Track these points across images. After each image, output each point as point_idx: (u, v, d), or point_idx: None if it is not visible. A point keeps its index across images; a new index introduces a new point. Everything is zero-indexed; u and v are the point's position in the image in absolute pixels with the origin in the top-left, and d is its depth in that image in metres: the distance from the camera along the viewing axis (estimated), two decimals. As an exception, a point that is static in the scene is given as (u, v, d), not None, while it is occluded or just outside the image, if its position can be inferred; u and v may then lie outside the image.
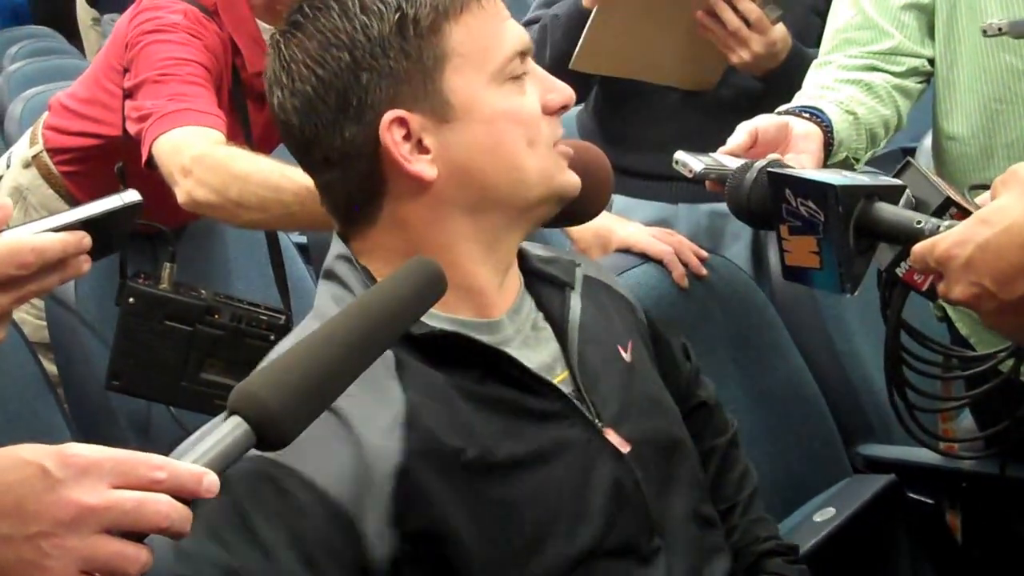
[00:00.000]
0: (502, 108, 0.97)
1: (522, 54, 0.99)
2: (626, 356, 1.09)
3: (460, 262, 0.96)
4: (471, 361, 0.96)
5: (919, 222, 0.98)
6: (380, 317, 0.80)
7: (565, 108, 1.01)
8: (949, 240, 0.91)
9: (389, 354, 0.91)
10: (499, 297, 1.01)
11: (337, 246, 1.02)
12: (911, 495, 1.57)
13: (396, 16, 0.93)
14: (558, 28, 1.78)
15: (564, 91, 1.02)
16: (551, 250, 1.15)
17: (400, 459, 0.88)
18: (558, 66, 1.73)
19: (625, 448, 1.01)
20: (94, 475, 0.68)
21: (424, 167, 0.95)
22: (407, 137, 0.95)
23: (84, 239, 1.01)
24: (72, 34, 5.88)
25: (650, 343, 1.17)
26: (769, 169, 1.09)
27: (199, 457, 0.71)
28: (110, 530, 0.68)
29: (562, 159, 1.01)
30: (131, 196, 1.07)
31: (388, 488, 0.87)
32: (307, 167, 1.01)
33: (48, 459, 0.69)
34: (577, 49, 1.69)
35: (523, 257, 1.08)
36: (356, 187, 0.97)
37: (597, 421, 1.01)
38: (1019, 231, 0.86)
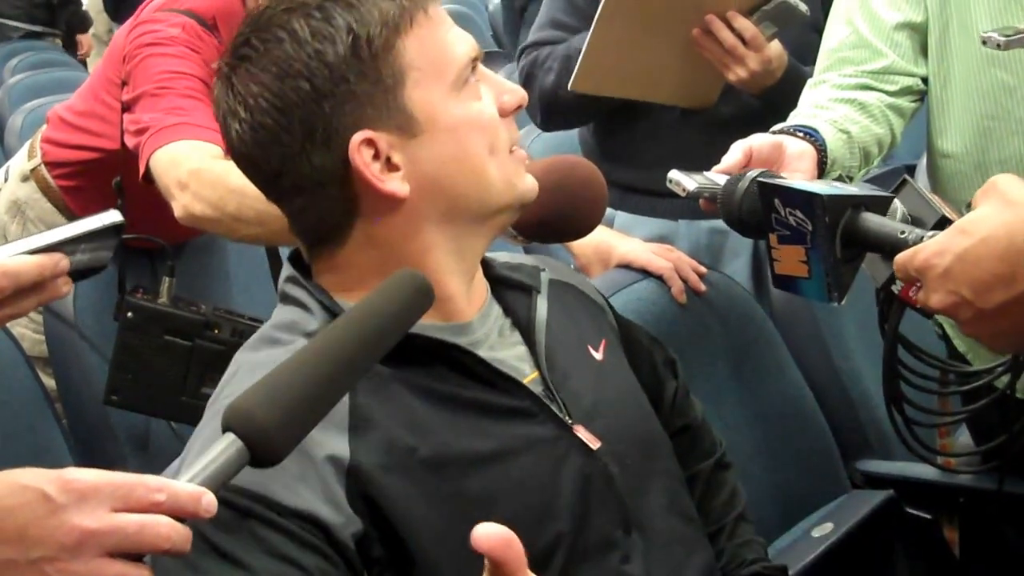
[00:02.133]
0: (464, 116, 0.97)
1: (474, 59, 0.99)
2: (596, 355, 1.10)
3: (432, 273, 0.96)
4: (432, 361, 0.97)
5: (903, 232, 1.00)
6: (370, 332, 0.80)
7: (519, 108, 1.03)
8: (929, 250, 0.93)
9: None
10: (467, 304, 1.02)
11: (286, 269, 1.03)
12: (909, 510, 1.57)
13: (349, 39, 0.93)
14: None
15: (517, 91, 1.02)
16: (516, 257, 1.16)
17: (346, 461, 0.89)
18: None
19: (595, 444, 1.01)
20: (94, 499, 0.69)
21: (396, 184, 0.95)
22: (376, 156, 0.95)
23: (61, 262, 1.00)
24: (74, 47, 5.89)
25: (621, 344, 1.18)
26: (760, 179, 1.10)
27: (194, 476, 0.71)
28: (112, 553, 0.69)
29: (520, 164, 1.02)
30: (112, 217, 1.06)
31: (342, 488, 0.89)
32: (274, 196, 1.00)
33: (48, 484, 0.69)
34: (575, 71, 1.70)
35: (489, 265, 1.09)
36: (328, 211, 0.97)
37: (567, 418, 1.01)
38: (996, 242, 0.88)
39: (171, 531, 0.69)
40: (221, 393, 0.97)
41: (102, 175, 1.81)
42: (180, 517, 0.70)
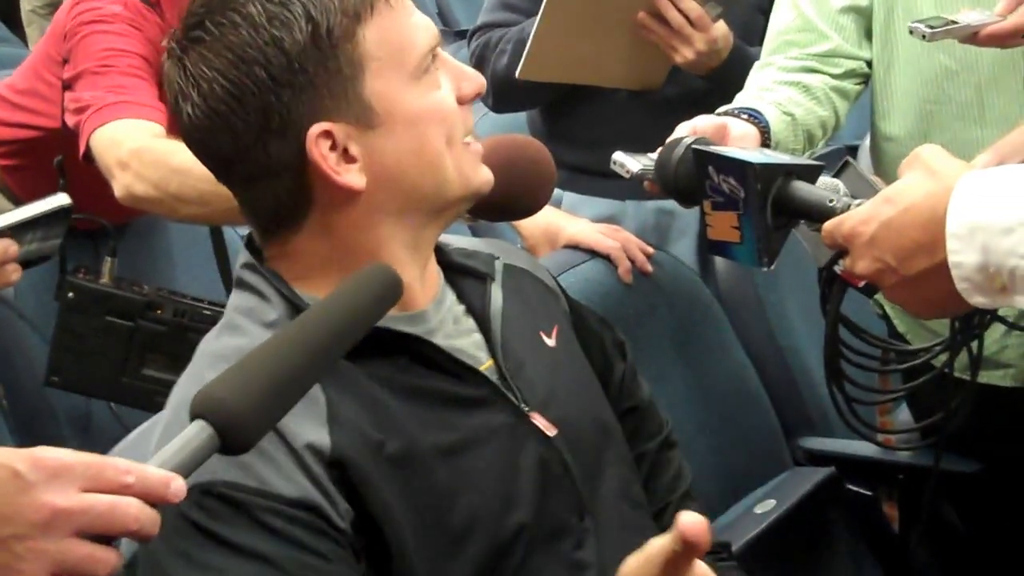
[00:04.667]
0: (423, 107, 0.96)
1: (434, 48, 0.98)
2: (550, 341, 1.10)
3: (386, 263, 0.95)
4: (392, 352, 0.97)
5: (831, 201, 1.02)
6: (341, 323, 0.80)
7: (477, 96, 1.02)
8: (855, 218, 0.95)
9: None
10: (421, 292, 1.02)
11: (243, 255, 1.01)
12: (850, 487, 1.60)
13: (309, 27, 0.91)
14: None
15: (476, 79, 1.01)
16: (471, 244, 1.15)
17: (330, 451, 0.89)
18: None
19: (552, 431, 1.02)
20: (66, 478, 0.68)
21: (353, 177, 0.94)
22: (333, 148, 0.93)
23: (10, 248, 0.98)
24: (13, 22, 5.76)
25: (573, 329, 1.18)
26: (694, 146, 1.12)
27: (164, 462, 0.70)
28: (81, 533, 0.68)
29: (475, 157, 1.02)
30: (60, 200, 1.04)
31: (327, 478, 0.89)
32: (226, 181, 0.98)
33: (20, 462, 0.69)
34: (523, 59, 1.69)
35: (442, 252, 1.08)
36: (282, 199, 0.96)
37: (523, 405, 1.01)
38: (918, 211, 0.90)
39: (140, 512, 0.69)
40: (182, 383, 0.96)
41: (43, 154, 1.77)
42: (150, 502, 0.70)
